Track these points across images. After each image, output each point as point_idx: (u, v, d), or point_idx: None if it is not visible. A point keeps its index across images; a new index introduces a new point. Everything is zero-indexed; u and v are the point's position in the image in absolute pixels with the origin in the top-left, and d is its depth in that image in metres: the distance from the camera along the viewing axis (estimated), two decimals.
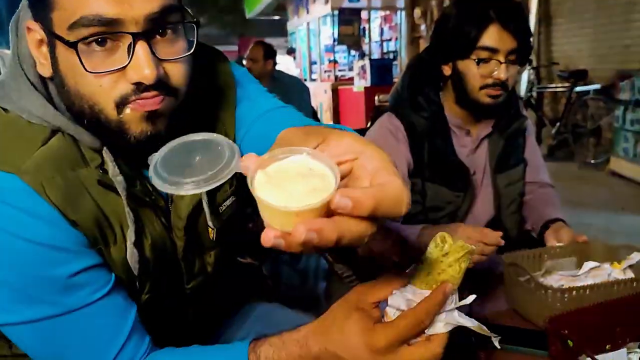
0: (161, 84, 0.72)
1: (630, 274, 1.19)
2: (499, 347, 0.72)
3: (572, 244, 1.33)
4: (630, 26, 5.97)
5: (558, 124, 6.44)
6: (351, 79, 9.26)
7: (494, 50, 1.35)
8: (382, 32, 12.69)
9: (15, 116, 0.75)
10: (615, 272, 1.20)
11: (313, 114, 3.78)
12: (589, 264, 1.25)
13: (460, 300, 0.67)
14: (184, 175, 0.49)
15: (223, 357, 0.77)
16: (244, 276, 1.25)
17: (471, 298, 0.67)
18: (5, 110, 0.76)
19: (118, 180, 0.76)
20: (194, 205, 0.87)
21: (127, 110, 0.72)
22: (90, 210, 0.75)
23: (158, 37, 0.71)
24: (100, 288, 0.76)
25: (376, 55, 11.37)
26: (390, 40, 12.57)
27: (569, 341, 0.88)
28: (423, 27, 10.85)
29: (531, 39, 1.40)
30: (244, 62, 4.15)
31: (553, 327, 0.90)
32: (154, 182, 0.48)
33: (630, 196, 4.97)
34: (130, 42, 0.69)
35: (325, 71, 11.29)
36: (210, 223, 0.89)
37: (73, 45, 0.68)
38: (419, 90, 1.50)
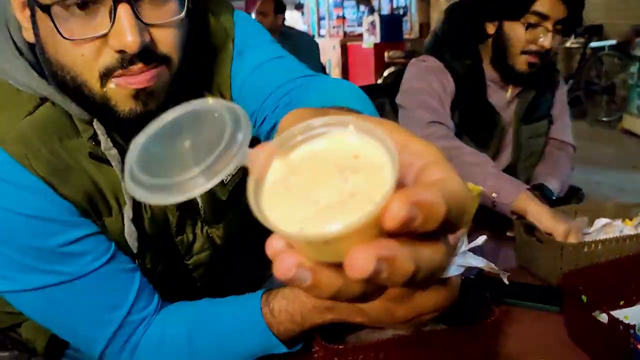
0: (149, 54, 0.65)
1: None
2: (507, 282, 0.72)
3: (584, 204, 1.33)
4: None
5: (571, 81, 6.33)
6: (360, 35, 9.10)
7: (544, 17, 1.33)
8: None
9: (2, 81, 0.70)
10: (627, 228, 1.20)
11: (322, 71, 3.74)
12: (600, 221, 1.24)
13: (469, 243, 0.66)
14: (174, 174, 0.32)
15: (236, 309, 0.77)
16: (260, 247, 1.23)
17: (481, 239, 0.65)
18: None
19: (112, 154, 0.72)
20: None
21: (112, 85, 0.66)
22: (80, 184, 0.71)
23: None
24: (101, 255, 0.73)
25: (386, 11, 11.11)
26: None
27: (583, 297, 0.88)
28: None
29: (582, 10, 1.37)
30: (253, 16, 4.09)
31: (567, 283, 0.90)
32: (134, 194, 0.32)
33: None
34: (111, 5, 0.62)
35: (333, 27, 11.10)
36: (199, 200, 0.85)
37: (46, 8, 0.62)
38: (460, 38, 1.49)
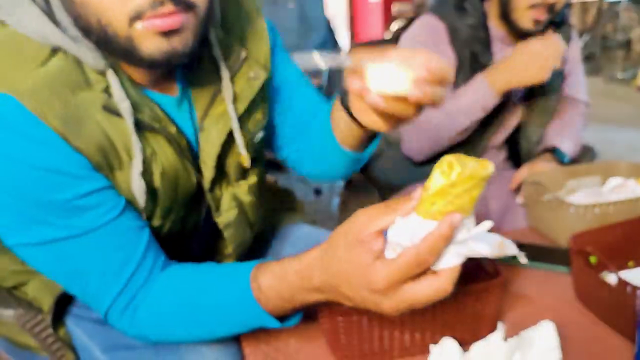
0: None
1: None
2: (526, 262, 0.69)
3: (596, 163, 1.31)
4: None
5: (586, 36, 6.18)
6: None
7: None
8: None
9: (13, 30, 0.68)
10: None
11: (326, 25, 3.66)
12: (613, 181, 1.23)
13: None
14: None
15: (227, 282, 0.77)
16: (277, 199, 1.24)
17: (487, 224, 0.61)
18: (2, 24, 0.69)
19: (124, 106, 0.72)
20: (226, 134, 0.84)
21: (139, 27, 0.66)
22: (93, 136, 0.70)
23: None
24: (110, 210, 0.74)
25: None
26: None
27: (591, 258, 0.87)
28: None
29: None
30: None
31: (576, 244, 0.89)
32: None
33: None
34: None
35: None
36: (243, 151, 0.87)
37: None
38: None
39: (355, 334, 0.74)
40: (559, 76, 1.55)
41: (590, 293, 0.85)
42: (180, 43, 0.69)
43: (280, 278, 0.71)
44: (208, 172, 0.84)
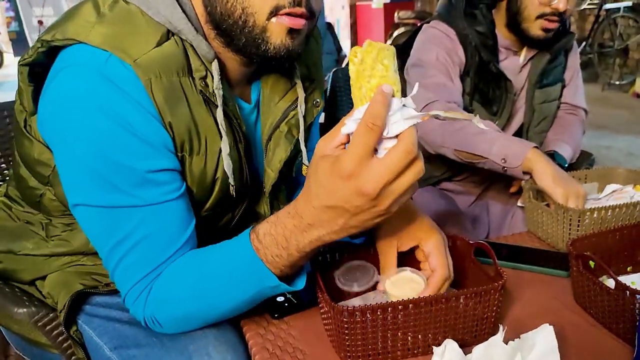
0: (309, 3, 0.77)
1: None
2: (482, 126, 0.67)
3: (594, 169, 1.32)
4: None
5: (584, 43, 6.21)
6: None
7: None
8: None
9: (137, 10, 0.78)
10: (638, 194, 1.20)
11: (329, 28, 3.67)
12: (611, 187, 1.24)
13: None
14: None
15: (231, 241, 0.79)
16: None
17: (415, 88, 0.66)
18: (126, 2, 0.79)
19: (219, 93, 0.81)
20: (293, 146, 0.93)
21: (274, 20, 0.76)
22: (185, 117, 0.78)
23: None
24: (173, 191, 0.79)
25: None
26: None
27: (590, 262, 0.89)
28: None
29: None
30: None
31: (575, 249, 0.91)
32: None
33: None
34: None
35: None
36: (306, 162, 0.98)
37: None
38: (474, 4, 1.45)
39: (359, 335, 0.75)
40: (559, 84, 1.57)
41: (589, 297, 0.87)
42: (298, 43, 0.81)
43: (274, 223, 0.74)
44: (272, 176, 0.94)
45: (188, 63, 0.79)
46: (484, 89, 1.46)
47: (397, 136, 0.64)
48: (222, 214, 0.95)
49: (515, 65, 1.50)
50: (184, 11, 0.79)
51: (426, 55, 1.45)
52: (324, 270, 0.86)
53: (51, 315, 0.92)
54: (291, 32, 0.78)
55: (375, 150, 0.64)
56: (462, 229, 1.48)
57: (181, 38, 0.79)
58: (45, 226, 0.95)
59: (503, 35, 1.46)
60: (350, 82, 0.66)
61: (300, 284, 0.79)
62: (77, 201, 0.78)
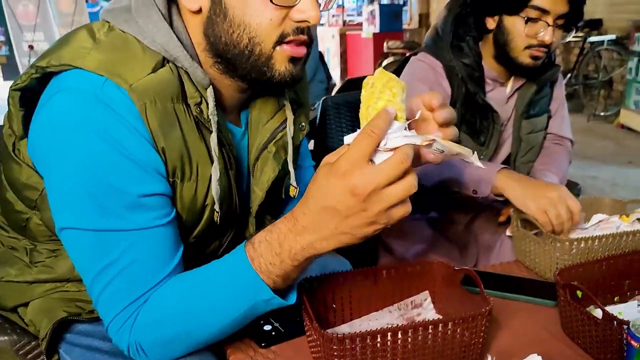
0: (310, 31, 0.81)
1: (638, 227, 1.20)
2: (479, 164, 0.74)
3: (581, 199, 1.33)
4: None
5: (569, 74, 6.33)
6: (360, 24, 9.08)
7: (544, 11, 1.33)
8: None
9: (132, 38, 0.80)
10: (624, 225, 1.21)
11: (320, 57, 3.72)
12: (597, 217, 1.25)
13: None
14: None
15: (224, 258, 0.79)
16: None
17: (419, 114, 0.74)
18: (122, 31, 0.80)
19: (214, 119, 0.83)
20: (279, 167, 0.94)
21: (278, 49, 0.80)
22: (178, 143, 0.79)
23: None
24: (163, 216, 0.79)
25: (385, 0, 11.07)
26: None
27: (578, 292, 0.89)
28: None
29: (583, 6, 1.37)
30: None
31: (563, 278, 0.91)
32: None
33: (637, 150, 4.94)
34: None
35: (332, 15, 11.04)
36: (294, 183, 0.99)
37: None
38: (461, 36, 1.48)
39: None
40: (546, 114, 1.59)
41: (576, 327, 0.87)
42: (300, 69, 0.84)
43: (270, 229, 0.75)
44: (259, 196, 0.95)
45: (183, 89, 0.81)
46: (471, 120, 1.48)
47: (393, 150, 0.67)
48: (210, 240, 0.95)
49: (502, 96, 1.52)
50: (179, 39, 0.80)
51: (411, 94, 1.47)
52: (311, 297, 0.85)
53: (33, 343, 0.90)
54: (293, 59, 0.81)
55: (372, 161, 0.67)
56: (450, 257, 1.48)
57: (176, 65, 0.80)
58: (29, 252, 0.94)
59: (490, 67, 1.49)
60: (361, 103, 0.72)
61: (292, 299, 0.79)
62: (65, 224, 0.77)
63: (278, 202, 1.06)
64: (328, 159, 0.71)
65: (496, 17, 1.41)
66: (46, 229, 0.90)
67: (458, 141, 0.77)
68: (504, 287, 1.04)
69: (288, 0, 0.77)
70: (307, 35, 0.81)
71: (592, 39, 6.17)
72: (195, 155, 0.82)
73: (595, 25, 6.20)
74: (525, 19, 1.34)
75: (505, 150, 1.59)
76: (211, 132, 0.83)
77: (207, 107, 0.83)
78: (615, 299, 0.98)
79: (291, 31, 0.79)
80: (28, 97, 0.82)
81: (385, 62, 6.70)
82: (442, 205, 1.61)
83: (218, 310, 0.78)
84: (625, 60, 5.78)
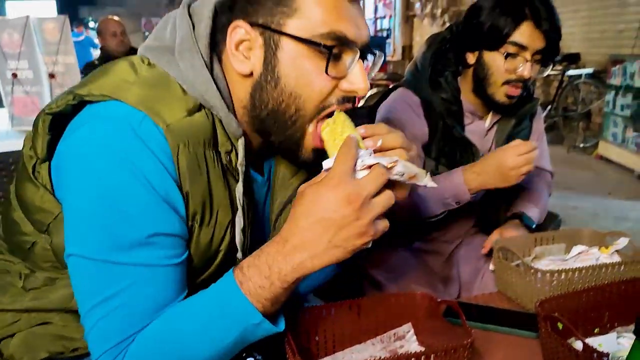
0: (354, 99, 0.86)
1: (617, 258, 1.21)
2: (432, 184, 0.80)
3: (561, 230, 1.36)
4: (624, 11, 5.97)
5: (549, 107, 6.46)
6: None
7: (523, 47, 1.37)
8: (376, 10, 12.59)
9: (173, 80, 0.81)
10: (603, 256, 1.23)
11: None
12: (577, 248, 1.27)
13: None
14: None
15: (214, 284, 0.79)
16: None
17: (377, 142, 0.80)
18: (164, 70, 0.82)
19: (242, 169, 0.84)
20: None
21: (310, 129, 0.83)
22: (202, 188, 0.80)
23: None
24: (174, 256, 0.79)
25: (370, 32, 11.26)
26: (384, 17, 12.47)
27: (558, 324, 0.90)
28: (418, 5, 10.78)
29: (560, 42, 1.41)
30: None
31: (543, 310, 0.92)
32: None
33: (617, 181, 5.03)
34: (353, 57, 0.80)
35: None
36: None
37: (329, 48, 0.78)
38: (440, 71, 1.51)
39: None
40: None
41: (557, 359, 0.87)
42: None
43: (258, 254, 0.76)
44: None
45: (215, 136, 0.82)
46: (451, 153, 1.50)
47: (369, 167, 0.74)
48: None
49: (480, 129, 1.55)
50: (217, 87, 0.82)
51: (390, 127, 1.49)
52: (294, 329, 0.85)
53: None
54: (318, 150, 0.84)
55: None
56: (433, 288, 1.48)
57: (211, 111, 0.82)
58: (24, 277, 0.91)
59: (469, 101, 1.52)
60: (325, 140, 0.80)
61: (281, 325, 0.79)
62: (74, 251, 0.76)
63: None
64: (305, 186, 0.74)
65: (476, 53, 1.44)
66: (52, 255, 0.88)
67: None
68: (486, 319, 1.04)
69: (340, 72, 0.80)
70: (351, 103, 0.84)
71: (571, 72, 6.32)
72: (217, 201, 0.83)
73: (573, 60, 6.35)
74: (505, 54, 1.37)
75: None
76: (237, 180, 0.84)
77: (237, 157, 0.84)
78: (596, 330, 0.99)
79: (335, 101, 0.82)
80: (56, 121, 0.82)
81: (369, 94, 6.78)
82: (425, 235, 1.62)
83: (209, 338, 0.76)
84: (602, 93, 5.92)
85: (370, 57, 0.89)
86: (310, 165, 0.88)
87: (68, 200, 0.79)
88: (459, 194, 1.38)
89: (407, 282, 1.49)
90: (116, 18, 4.17)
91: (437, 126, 1.49)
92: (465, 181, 1.37)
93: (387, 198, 0.73)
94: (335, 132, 0.79)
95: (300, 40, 0.78)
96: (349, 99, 0.83)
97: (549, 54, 1.40)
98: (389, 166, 0.75)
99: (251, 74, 0.82)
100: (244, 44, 0.81)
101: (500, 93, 1.42)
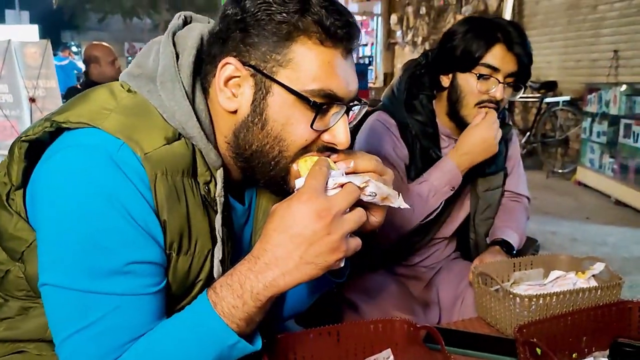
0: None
1: (593, 283, 1.23)
2: (406, 206, 0.82)
3: (539, 256, 1.37)
4: (598, 41, 6.14)
5: (528, 133, 6.57)
6: None
7: (495, 69, 1.40)
8: None
9: (153, 108, 0.81)
10: (580, 281, 1.24)
11: None
12: (555, 273, 1.28)
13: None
14: None
15: (187, 307, 0.78)
16: None
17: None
18: (144, 99, 0.82)
19: (220, 200, 0.83)
20: None
21: (295, 167, 0.83)
22: (181, 217, 0.79)
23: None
24: (152, 286, 0.77)
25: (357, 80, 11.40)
26: (366, 45, 12.66)
27: (537, 349, 0.90)
28: (399, 33, 10.97)
29: (531, 67, 1.45)
30: None
31: (522, 335, 0.92)
32: None
33: (594, 206, 5.10)
34: (338, 112, 0.82)
35: None
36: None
37: (318, 105, 0.79)
38: (415, 95, 1.53)
39: None
40: (502, 172, 1.64)
41: None
42: None
43: (230, 273, 0.76)
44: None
45: (194, 165, 0.82)
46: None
47: (340, 186, 0.76)
48: None
49: None
50: (198, 118, 0.81)
51: (367, 150, 1.51)
52: (272, 356, 0.84)
53: None
54: None
55: None
56: (413, 313, 1.48)
57: (192, 141, 0.82)
58: None
59: (444, 124, 1.54)
60: (299, 166, 0.82)
61: (258, 344, 0.79)
62: (49, 280, 0.74)
63: None
64: (278, 205, 0.75)
65: (450, 75, 1.47)
66: (26, 283, 0.86)
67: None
68: (465, 344, 1.04)
69: (325, 125, 0.82)
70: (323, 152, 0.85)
71: (548, 99, 6.46)
72: (196, 231, 0.82)
73: (551, 87, 6.50)
74: (478, 75, 1.40)
75: (464, 209, 1.62)
76: (216, 212, 0.84)
77: (216, 187, 0.83)
78: (574, 355, 1.00)
79: (316, 148, 0.83)
80: (33, 148, 0.81)
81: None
82: (405, 261, 1.63)
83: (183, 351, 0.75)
84: (579, 120, 6.04)
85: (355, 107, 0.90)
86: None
87: (43, 228, 0.77)
88: (453, 179, 1.45)
89: (386, 307, 1.48)
90: (105, 44, 4.08)
91: (415, 148, 1.51)
92: (457, 165, 1.44)
93: (359, 215, 0.74)
94: (309, 159, 0.82)
95: (291, 92, 0.79)
96: (329, 148, 0.84)
97: (521, 77, 1.43)
98: (361, 186, 0.76)
99: (236, 112, 0.82)
100: (233, 80, 0.81)
101: (472, 115, 1.45)
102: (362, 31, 12.40)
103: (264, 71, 0.79)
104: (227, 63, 0.80)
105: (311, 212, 0.71)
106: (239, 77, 0.81)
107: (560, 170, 6.43)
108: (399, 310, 1.46)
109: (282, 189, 0.85)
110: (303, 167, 0.81)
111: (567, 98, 6.34)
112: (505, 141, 1.63)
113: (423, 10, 9.99)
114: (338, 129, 0.82)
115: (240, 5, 0.80)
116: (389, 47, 11.57)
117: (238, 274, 0.74)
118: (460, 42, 1.43)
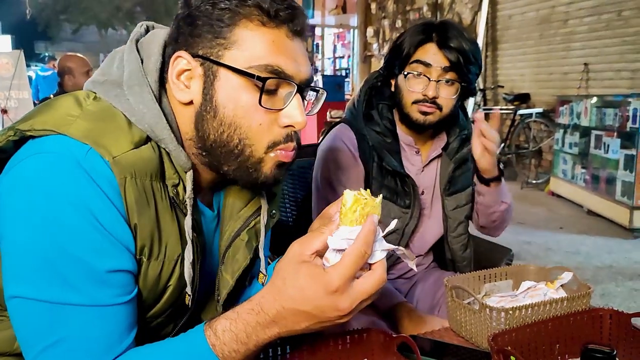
0: (297, 137, 0.85)
1: (562, 293, 1.24)
2: (415, 269, 0.84)
3: (508, 267, 1.39)
4: (569, 54, 6.30)
5: (502, 144, 6.67)
6: None
7: (426, 65, 1.42)
8: (335, 49, 12.87)
9: (119, 112, 0.80)
10: (550, 291, 1.25)
11: None
12: (525, 284, 1.29)
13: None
14: None
15: (181, 337, 0.77)
16: None
17: (394, 223, 0.79)
18: (109, 104, 0.81)
19: (190, 202, 0.84)
20: (250, 257, 0.95)
21: (271, 154, 0.83)
22: (150, 221, 0.79)
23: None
24: (124, 294, 0.77)
25: (329, 71, 11.49)
26: (343, 57, 12.76)
27: (512, 357, 0.91)
28: (375, 45, 11.07)
29: (471, 67, 1.43)
30: None
31: (496, 344, 0.93)
32: None
33: (568, 216, 5.20)
34: (290, 92, 0.81)
35: None
36: (264, 270, 1.00)
37: (263, 80, 0.78)
38: (373, 105, 1.54)
39: None
40: (469, 188, 1.62)
41: None
42: (284, 173, 0.87)
43: (234, 320, 0.74)
44: (229, 283, 0.94)
45: (162, 169, 0.81)
46: (390, 184, 1.51)
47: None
48: (167, 322, 0.92)
49: (417, 164, 1.57)
50: (167, 121, 0.81)
51: (329, 162, 1.53)
52: None
53: None
54: (281, 164, 0.85)
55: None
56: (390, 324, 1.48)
57: (158, 144, 0.81)
58: None
59: (403, 132, 1.54)
60: (343, 203, 0.75)
61: None
62: (17, 293, 0.72)
63: (242, 288, 1.05)
64: (300, 254, 0.73)
65: (394, 79, 1.50)
66: None
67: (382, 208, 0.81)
68: (441, 354, 1.05)
69: (276, 105, 0.81)
70: (296, 142, 0.84)
71: (522, 111, 6.58)
72: (166, 235, 0.81)
73: (524, 99, 6.62)
74: (407, 73, 1.43)
75: (436, 225, 1.62)
76: (185, 214, 0.83)
77: (184, 190, 0.83)
78: None
79: (282, 139, 0.82)
80: None
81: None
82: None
83: None
84: (552, 132, 6.16)
85: (312, 94, 0.91)
86: (269, 187, 0.90)
87: (8, 239, 0.73)
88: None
89: (364, 319, 1.48)
90: (79, 55, 4.05)
91: (373, 160, 1.51)
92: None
93: (377, 296, 0.75)
94: (359, 199, 0.75)
95: (236, 71, 0.79)
96: (291, 137, 0.83)
97: (460, 75, 1.43)
98: (390, 249, 0.77)
99: (191, 103, 0.83)
100: (185, 73, 0.82)
101: (413, 111, 1.45)
102: (339, 43, 12.51)
103: (211, 57, 0.80)
104: (178, 57, 0.82)
105: (334, 305, 0.71)
106: (190, 69, 0.82)
107: (534, 181, 6.54)
108: (375, 319, 1.46)
109: (255, 179, 0.85)
110: (347, 215, 0.75)
111: (540, 110, 6.47)
112: (472, 156, 1.63)
113: (399, 23, 10.11)
114: (292, 108, 0.82)
115: (187, 4, 0.82)
116: (366, 59, 11.66)
117: (245, 324, 0.74)
118: (400, 44, 1.47)
